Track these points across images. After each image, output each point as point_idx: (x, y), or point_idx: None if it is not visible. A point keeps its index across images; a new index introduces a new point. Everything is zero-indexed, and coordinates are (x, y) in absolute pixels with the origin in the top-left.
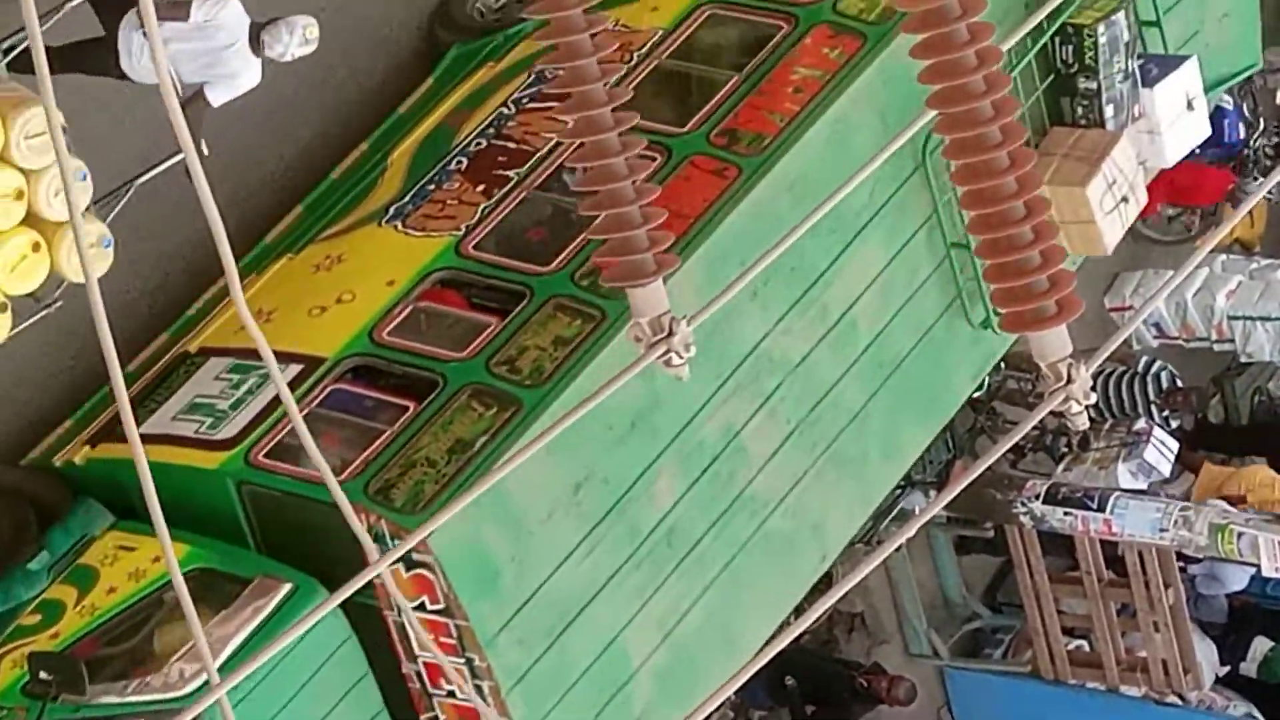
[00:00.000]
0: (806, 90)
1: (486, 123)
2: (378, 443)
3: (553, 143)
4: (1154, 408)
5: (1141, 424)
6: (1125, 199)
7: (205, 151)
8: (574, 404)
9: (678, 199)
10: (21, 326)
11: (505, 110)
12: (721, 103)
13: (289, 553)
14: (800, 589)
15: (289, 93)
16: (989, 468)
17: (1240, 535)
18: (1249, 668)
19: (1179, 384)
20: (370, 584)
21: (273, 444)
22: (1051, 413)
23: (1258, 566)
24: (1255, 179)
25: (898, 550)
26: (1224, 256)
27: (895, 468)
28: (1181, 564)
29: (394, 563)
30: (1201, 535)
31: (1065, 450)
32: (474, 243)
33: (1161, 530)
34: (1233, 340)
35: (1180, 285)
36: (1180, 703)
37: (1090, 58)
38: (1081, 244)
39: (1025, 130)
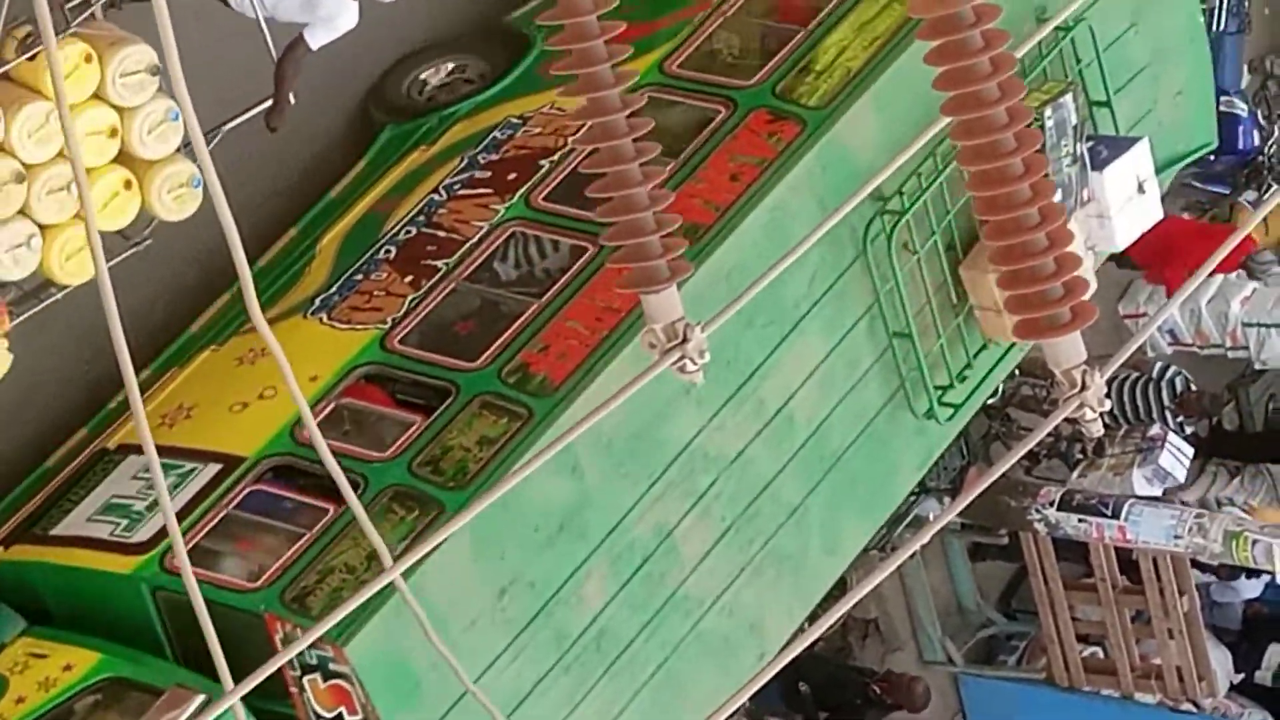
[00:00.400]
0: (744, 178)
1: (417, 210)
2: (295, 547)
3: (483, 231)
4: (1168, 413)
5: (1156, 430)
6: None
7: (292, 101)
8: (497, 507)
9: (609, 293)
10: (112, 263)
11: (436, 197)
12: None
13: (206, 660)
14: (738, 687)
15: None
16: (1003, 474)
17: (1255, 543)
18: (1264, 675)
19: (1192, 388)
20: (287, 695)
21: (189, 548)
22: (1066, 419)
23: (1273, 574)
24: (1269, 185)
25: (912, 557)
26: None
27: (837, 562)
28: (1197, 571)
29: (311, 671)
30: (1216, 542)
31: (1080, 457)
32: (400, 337)
33: (1176, 537)
34: (1247, 347)
35: (1194, 292)
36: (1195, 710)
37: None
38: None
39: (1040, 136)
